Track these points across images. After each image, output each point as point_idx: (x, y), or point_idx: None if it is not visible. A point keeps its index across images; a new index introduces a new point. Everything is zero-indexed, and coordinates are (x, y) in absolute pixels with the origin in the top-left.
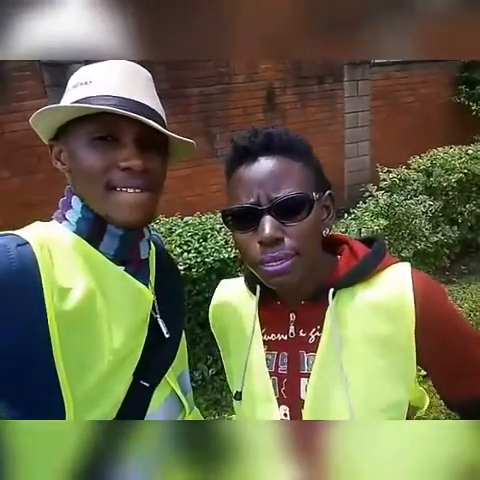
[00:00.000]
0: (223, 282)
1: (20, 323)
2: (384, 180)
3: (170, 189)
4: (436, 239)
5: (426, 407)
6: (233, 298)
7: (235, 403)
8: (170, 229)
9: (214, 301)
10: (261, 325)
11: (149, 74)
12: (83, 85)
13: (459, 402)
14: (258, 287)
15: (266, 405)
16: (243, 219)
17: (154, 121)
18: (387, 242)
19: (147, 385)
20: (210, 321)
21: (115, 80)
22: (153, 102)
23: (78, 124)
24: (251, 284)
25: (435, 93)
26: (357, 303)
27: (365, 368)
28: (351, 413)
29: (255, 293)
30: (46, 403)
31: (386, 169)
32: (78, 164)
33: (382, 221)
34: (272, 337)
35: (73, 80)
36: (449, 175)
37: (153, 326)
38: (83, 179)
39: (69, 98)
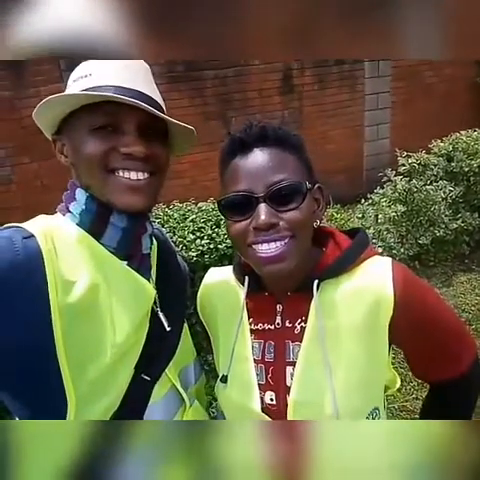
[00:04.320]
0: (212, 270)
1: (24, 315)
2: (403, 165)
3: (185, 173)
4: (456, 226)
5: (396, 388)
6: (221, 286)
7: (220, 385)
8: (184, 215)
9: (202, 289)
10: (248, 314)
11: (147, 65)
12: (83, 78)
13: (427, 381)
14: (246, 278)
15: (249, 390)
16: (239, 207)
17: (154, 109)
18: (405, 229)
19: (148, 379)
20: (198, 308)
21: (114, 71)
22: (152, 92)
23: (80, 116)
24: (239, 275)
25: (460, 73)
26: (340, 293)
27: (347, 354)
28: (333, 398)
29: (243, 283)
30: (48, 395)
31: (405, 154)
32: (80, 153)
33: (400, 207)
34: (259, 326)
35: (73, 75)
36: (471, 160)
37: (154, 320)
38: (84, 166)
39: (70, 92)
